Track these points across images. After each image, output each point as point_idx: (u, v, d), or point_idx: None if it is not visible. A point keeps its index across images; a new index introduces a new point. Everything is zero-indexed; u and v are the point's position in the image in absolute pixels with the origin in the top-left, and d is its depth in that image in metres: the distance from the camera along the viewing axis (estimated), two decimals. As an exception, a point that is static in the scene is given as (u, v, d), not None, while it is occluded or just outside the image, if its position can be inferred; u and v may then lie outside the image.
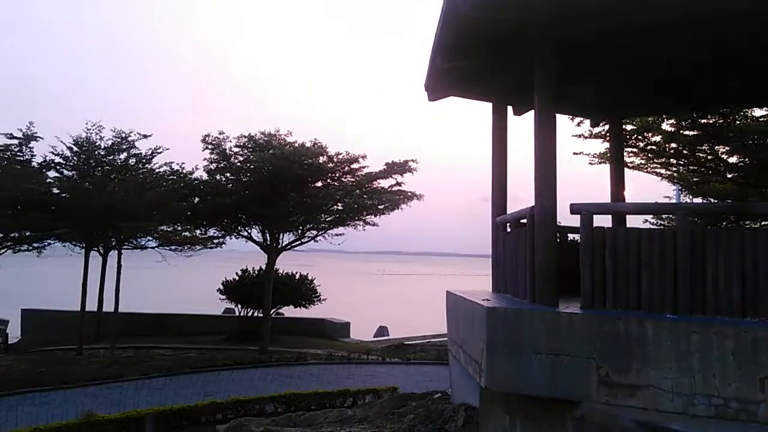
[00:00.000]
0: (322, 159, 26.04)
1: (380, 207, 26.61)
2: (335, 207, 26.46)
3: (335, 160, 26.31)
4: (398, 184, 26.68)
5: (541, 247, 6.61)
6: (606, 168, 10.63)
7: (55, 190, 24.77)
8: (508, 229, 8.26)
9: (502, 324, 6.25)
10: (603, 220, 7.04)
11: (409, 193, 26.89)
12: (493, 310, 6.39)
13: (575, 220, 6.71)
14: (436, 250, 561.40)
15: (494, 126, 8.91)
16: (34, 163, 24.65)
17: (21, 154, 24.16)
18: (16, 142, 23.91)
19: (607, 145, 14.67)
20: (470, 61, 7.74)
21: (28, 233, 25.87)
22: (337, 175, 26.76)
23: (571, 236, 8.53)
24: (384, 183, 26.84)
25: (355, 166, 26.69)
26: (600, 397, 5.69)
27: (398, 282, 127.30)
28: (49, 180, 24.88)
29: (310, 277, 31.82)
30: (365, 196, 26.31)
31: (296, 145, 25.73)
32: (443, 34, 7.11)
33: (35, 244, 27.19)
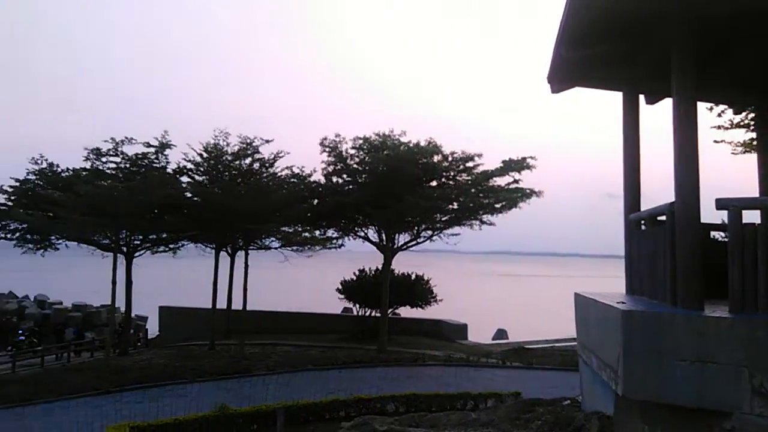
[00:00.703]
0: (436, 158, 25.94)
1: (497, 206, 26.05)
2: (450, 206, 26.27)
3: (450, 158, 26.09)
4: (516, 181, 25.98)
5: (684, 246, 6.07)
6: (747, 158, 9.64)
7: (188, 194, 26.50)
8: (643, 227, 7.69)
9: (640, 328, 5.82)
10: (750, 216, 6.40)
11: (528, 191, 26.09)
12: (630, 314, 5.96)
13: (713, 215, 6.11)
14: (555, 250, 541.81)
15: (625, 117, 8.34)
16: (169, 170, 26.60)
17: (157, 161, 26.17)
18: (153, 150, 25.96)
19: (751, 135, 13.37)
20: (599, 49, 7.29)
21: (164, 235, 28.03)
22: (452, 173, 26.54)
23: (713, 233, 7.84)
24: (500, 181, 26.27)
25: (470, 164, 26.32)
26: (753, 409, 5.13)
27: (516, 283, 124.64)
28: (182, 185, 26.69)
29: (425, 278, 31.84)
30: (481, 195, 25.89)
31: (410, 144, 25.81)
32: (570, 22, 6.73)
33: (171, 246, 29.45)
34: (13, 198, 25.85)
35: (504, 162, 25.75)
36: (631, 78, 8.21)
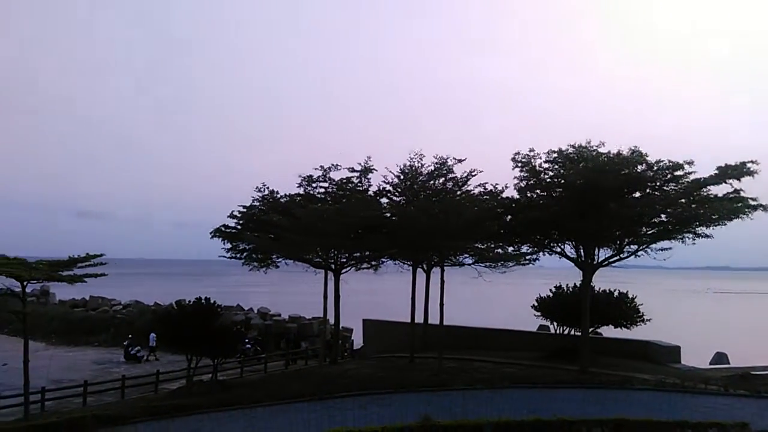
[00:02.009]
0: (640, 168, 24.30)
1: (714, 217, 23.55)
2: (657, 219, 24.40)
3: (655, 167, 24.27)
4: (736, 191, 23.26)
5: None
6: None
7: (387, 215, 27.98)
8: None
9: None
10: None
11: (751, 201, 23.20)
12: None
13: None
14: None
15: None
16: (370, 192, 28.38)
17: (360, 184, 28.08)
18: (356, 174, 27.94)
19: None
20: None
21: (367, 253, 29.88)
22: (658, 183, 24.64)
23: None
24: (716, 190, 23.77)
25: (678, 173, 24.20)
26: None
27: (734, 302, 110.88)
28: (382, 206, 28.28)
29: (630, 295, 29.84)
30: (693, 206, 23.66)
31: (610, 155, 24.54)
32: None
33: (372, 263, 31.29)
34: (241, 222, 29.50)
35: (719, 168, 23.22)
36: None
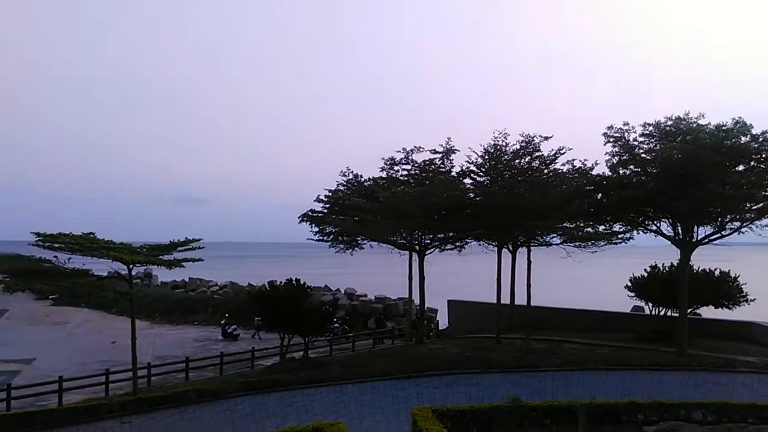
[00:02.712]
0: (743, 139, 22.72)
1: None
2: (764, 193, 22.79)
3: (761, 138, 22.61)
4: None
5: None
6: None
7: (471, 195, 27.76)
8: None
9: None
10: None
11: None
12: None
13: None
14: None
15: None
16: (453, 173, 28.22)
17: (443, 166, 27.97)
18: (438, 156, 27.84)
19: None
20: None
21: (450, 234, 29.82)
22: (764, 155, 22.99)
23: None
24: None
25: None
26: None
27: None
28: (466, 186, 28.08)
29: (732, 274, 28.17)
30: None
31: (711, 127, 23.07)
32: None
33: (456, 243, 31.21)
34: (327, 206, 30.21)
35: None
36: None
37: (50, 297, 54.91)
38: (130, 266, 19.25)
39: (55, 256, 19.41)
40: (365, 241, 31.11)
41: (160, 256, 20.46)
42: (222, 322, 38.83)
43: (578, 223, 27.72)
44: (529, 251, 27.08)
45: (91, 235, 19.57)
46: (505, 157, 26.97)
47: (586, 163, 26.52)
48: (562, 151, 26.47)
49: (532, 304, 27.13)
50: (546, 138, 26.55)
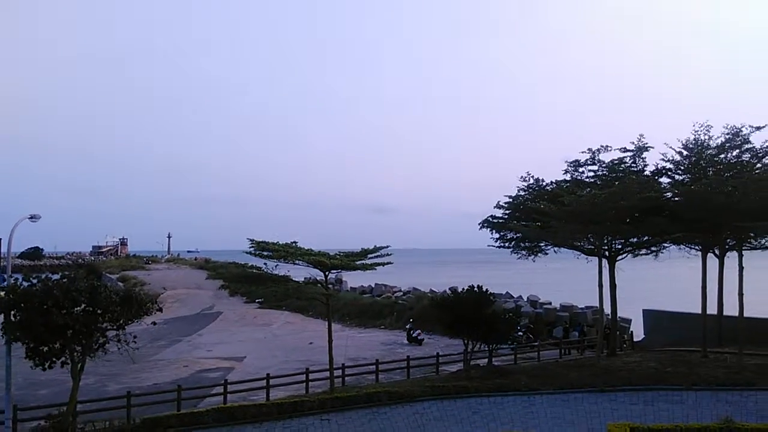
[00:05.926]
0: None
1: None
2: None
3: None
4: None
5: None
6: None
7: (668, 195, 25.61)
8: None
9: None
10: None
11: None
12: None
13: None
14: None
15: None
16: (646, 172, 26.25)
17: (635, 165, 26.15)
18: (629, 154, 26.08)
19: None
20: None
21: (645, 238, 27.71)
22: None
23: None
24: None
25: None
26: None
27: None
28: (662, 186, 25.97)
29: None
30: None
31: None
32: None
33: (652, 248, 28.90)
34: (507, 212, 29.79)
35: None
36: None
37: (257, 300, 60.68)
38: (327, 272, 20.72)
39: (265, 263, 21.62)
40: (549, 247, 30.12)
41: (354, 262, 21.79)
42: (407, 326, 39.93)
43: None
44: (740, 255, 24.23)
45: (295, 243, 21.44)
46: (709, 151, 24.48)
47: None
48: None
49: (748, 314, 24.20)
50: (758, 128, 23.63)
